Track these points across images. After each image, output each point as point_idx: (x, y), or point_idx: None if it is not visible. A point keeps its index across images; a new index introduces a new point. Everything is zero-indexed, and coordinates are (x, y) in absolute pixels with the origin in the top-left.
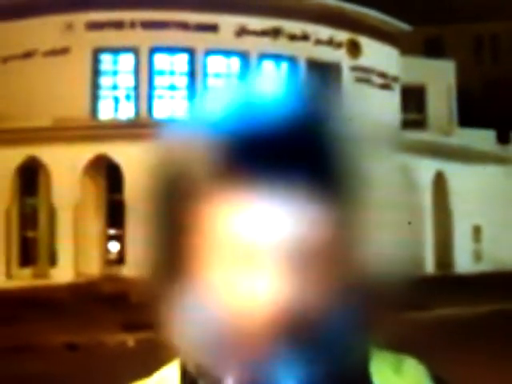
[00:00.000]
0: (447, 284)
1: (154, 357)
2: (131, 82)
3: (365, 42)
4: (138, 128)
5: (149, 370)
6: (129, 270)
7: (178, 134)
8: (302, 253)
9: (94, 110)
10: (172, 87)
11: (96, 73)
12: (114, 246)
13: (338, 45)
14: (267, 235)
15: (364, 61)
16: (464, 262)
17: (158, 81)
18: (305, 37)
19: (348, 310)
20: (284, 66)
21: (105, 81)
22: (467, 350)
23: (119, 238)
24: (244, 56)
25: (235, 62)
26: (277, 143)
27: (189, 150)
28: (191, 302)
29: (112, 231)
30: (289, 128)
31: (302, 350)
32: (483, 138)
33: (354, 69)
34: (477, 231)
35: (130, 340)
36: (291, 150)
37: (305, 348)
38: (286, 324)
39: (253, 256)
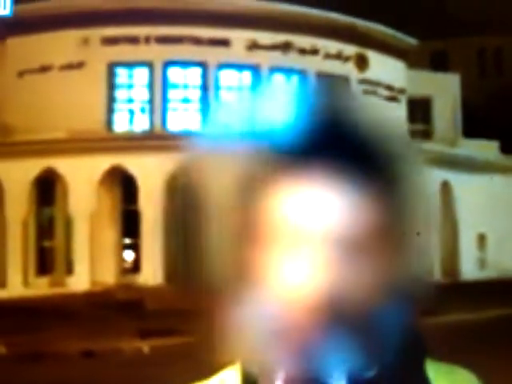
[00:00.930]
0: (453, 291)
1: (169, 362)
2: (146, 96)
3: (372, 55)
4: (152, 140)
5: (164, 375)
6: (144, 279)
7: (231, 143)
8: (349, 242)
9: (109, 122)
10: (185, 100)
11: (111, 86)
12: (128, 255)
13: (347, 58)
14: (317, 222)
15: (372, 74)
16: (469, 270)
17: (172, 94)
18: (314, 51)
19: (392, 303)
20: (294, 78)
21: (120, 94)
22: (472, 353)
23: (134, 247)
24: (255, 69)
25: (247, 76)
26: (330, 139)
27: (249, 153)
28: (249, 300)
29: (127, 240)
30: (339, 126)
31: (346, 334)
32: (487, 148)
33: (362, 82)
34: (482, 239)
35: (146, 347)
36: (344, 145)
37: (349, 332)
38: (328, 311)
39: (299, 242)
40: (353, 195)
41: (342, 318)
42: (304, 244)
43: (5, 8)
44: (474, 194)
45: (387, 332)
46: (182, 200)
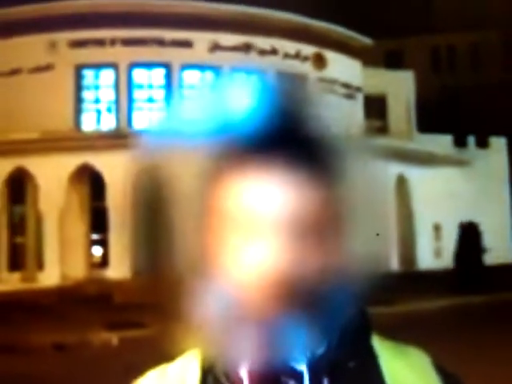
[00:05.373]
0: (410, 280)
1: (137, 353)
2: (112, 96)
3: (329, 55)
4: (118, 138)
5: (132, 365)
6: (112, 273)
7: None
8: (299, 226)
9: (77, 122)
10: (150, 100)
11: (79, 88)
12: (97, 250)
13: (305, 58)
14: (265, 208)
15: (329, 72)
16: (425, 259)
17: (137, 94)
18: (274, 51)
19: (340, 284)
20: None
21: (87, 95)
22: (428, 342)
23: (102, 243)
24: (217, 70)
25: (209, 76)
26: (281, 132)
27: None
28: (210, 287)
29: (95, 236)
30: (291, 121)
31: (302, 314)
32: (441, 143)
33: (320, 80)
34: (437, 229)
35: (114, 338)
36: (289, 137)
37: (304, 312)
38: (284, 292)
39: (254, 227)
40: (300, 184)
41: (296, 299)
42: (258, 229)
43: None
44: (429, 186)
45: (335, 311)
46: (146, 195)
